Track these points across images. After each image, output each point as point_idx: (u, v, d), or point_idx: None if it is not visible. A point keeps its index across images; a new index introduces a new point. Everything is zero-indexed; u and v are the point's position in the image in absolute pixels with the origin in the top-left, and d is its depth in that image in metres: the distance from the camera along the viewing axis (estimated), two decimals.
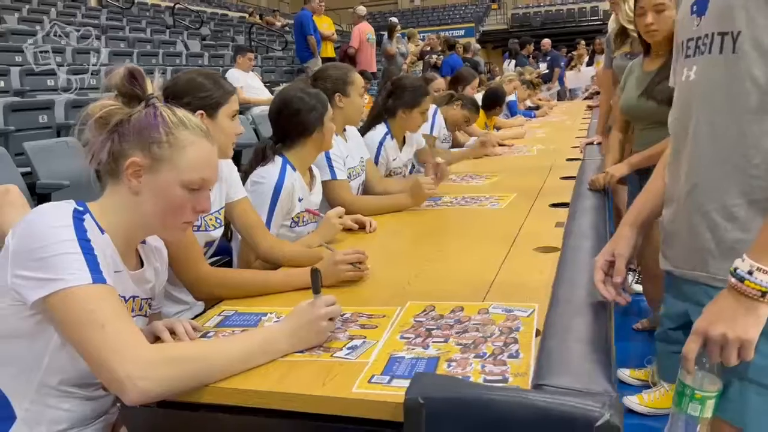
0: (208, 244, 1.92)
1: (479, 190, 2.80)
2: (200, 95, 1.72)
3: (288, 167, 2.13)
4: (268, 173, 2.10)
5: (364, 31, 9.30)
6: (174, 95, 1.68)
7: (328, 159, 2.44)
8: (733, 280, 1.05)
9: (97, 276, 1.09)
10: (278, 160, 2.14)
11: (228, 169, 1.92)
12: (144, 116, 1.24)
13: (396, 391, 1.02)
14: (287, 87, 2.38)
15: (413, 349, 1.17)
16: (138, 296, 1.33)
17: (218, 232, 1.93)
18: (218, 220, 1.91)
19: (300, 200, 2.18)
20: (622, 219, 1.46)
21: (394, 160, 3.13)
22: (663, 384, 2.46)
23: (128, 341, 1.07)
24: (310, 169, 2.31)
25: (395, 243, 2.18)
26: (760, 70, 1.10)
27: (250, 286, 1.65)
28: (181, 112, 1.29)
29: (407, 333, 1.24)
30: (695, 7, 1.23)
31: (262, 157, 2.15)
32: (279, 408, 1.10)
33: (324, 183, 2.42)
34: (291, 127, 2.18)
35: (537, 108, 7.00)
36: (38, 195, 3.47)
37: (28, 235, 1.11)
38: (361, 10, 9.72)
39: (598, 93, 5.95)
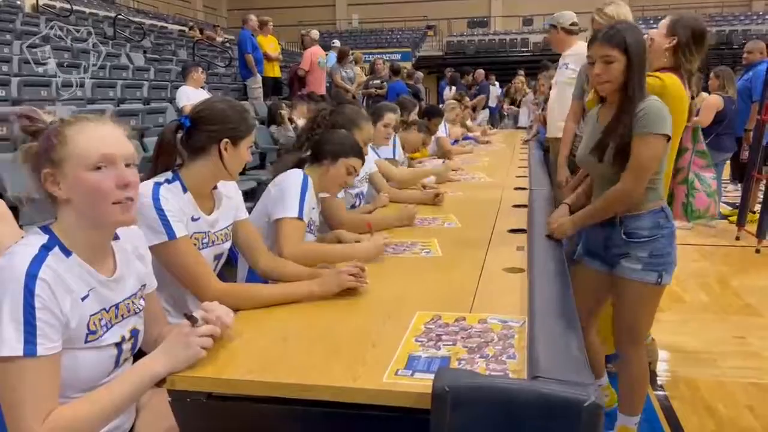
0: (218, 257, 2.09)
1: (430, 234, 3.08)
2: (229, 126, 1.94)
3: None
4: None
5: (316, 54, 9.55)
6: (206, 121, 1.92)
7: None
8: None
9: (30, 348, 1.22)
10: None
11: (235, 189, 2.14)
12: (42, 138, 1.36)
13: (419, 382, 1.26)
14: None
15: (428, 350, 1.41)
16: (119, 302, 1.45)
17: (227, 245, 2.10)
18: (227, 235, 2.08)
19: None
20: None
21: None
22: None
23: (29, 416, 1.21)
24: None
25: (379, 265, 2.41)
26: None
27: (257, 299, 1.83)
28: (70, 117, 1.40)
29: (420, 337, 1.48)
30: None
31: None
32: (317, 398, 1.30)
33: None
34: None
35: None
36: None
37: None
38: (315, 34, 10.02)
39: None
